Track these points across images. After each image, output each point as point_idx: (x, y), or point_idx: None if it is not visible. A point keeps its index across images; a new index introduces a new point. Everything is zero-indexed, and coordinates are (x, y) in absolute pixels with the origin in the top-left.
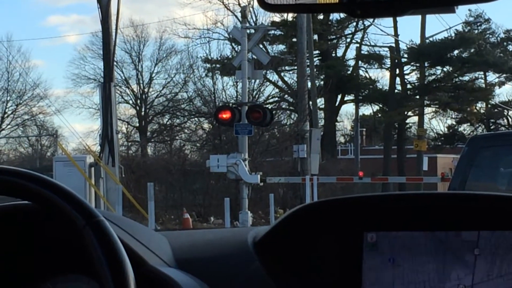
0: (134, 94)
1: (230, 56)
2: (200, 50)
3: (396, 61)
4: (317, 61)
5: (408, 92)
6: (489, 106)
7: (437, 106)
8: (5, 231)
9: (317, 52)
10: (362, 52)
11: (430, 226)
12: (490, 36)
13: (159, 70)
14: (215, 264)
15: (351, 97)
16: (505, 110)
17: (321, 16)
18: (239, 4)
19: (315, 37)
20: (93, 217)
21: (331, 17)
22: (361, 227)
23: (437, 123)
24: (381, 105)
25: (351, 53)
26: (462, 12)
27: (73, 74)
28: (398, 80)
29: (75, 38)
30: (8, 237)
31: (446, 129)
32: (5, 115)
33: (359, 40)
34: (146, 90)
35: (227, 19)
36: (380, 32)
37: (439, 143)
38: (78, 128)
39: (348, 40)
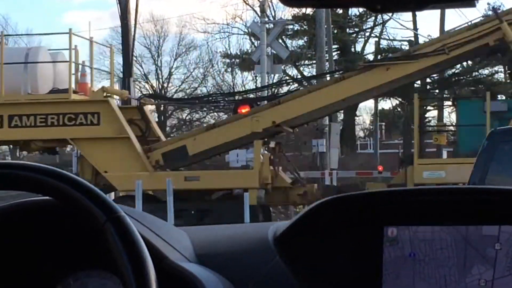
0: (153, 89)
1: (249, 51)
2: (219, 45)
3: None
4: (336, 55)
5: (428, 86)
6: (508, 99)
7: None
8: (26, 226)
9: (336, 46)
10: (381, 46)
11: (450, 221)
12: None
13: (178, 65)
14: (235, 260)
15: None
16: None
17: (340, 10)
18: None
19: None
20: (114, 212)
21: (350, 12)
22: (381, 222)
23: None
24: (400, 99)
25: (370, 47)
26: (481, 6)
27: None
28: None
29: (94, 34)
30: (30, 232)
31: None
32: None
33: (378, 34)
34: (165, 85)
35: (246, 13)
36: (399, 26)
37: None
38: None
39: (367, 34)
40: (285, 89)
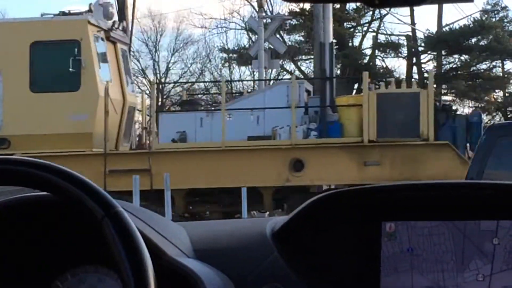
0: (150, 84)
1: (246, 46)
2: (217, 40)
3: (413, 49)
4: (334, 50)
5: (425, 81)
6: (506, 94)
7: (454, 95)
8: (24, 222)
9: (334, 41)
10: (379, 41)
11: (448, 216)
12: (508, 24)
13: (176, 60)
14: (233, 255)
15: None
16: None
17: (338, 5)
18: None
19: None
20: (112, 208)
21: (347, 6)
22: (379, 217)
23: None
24: None
25: (368, 42)
26: (479, 0)
27: None
28: (415, 69)
29: None
30: (27, 228)
31: None
32: None
33: (375, 29)
34: (162, 80)
35: (244, 8)
36: (396, 21)
37: None
38: None
39: (365, 29)
40: None
